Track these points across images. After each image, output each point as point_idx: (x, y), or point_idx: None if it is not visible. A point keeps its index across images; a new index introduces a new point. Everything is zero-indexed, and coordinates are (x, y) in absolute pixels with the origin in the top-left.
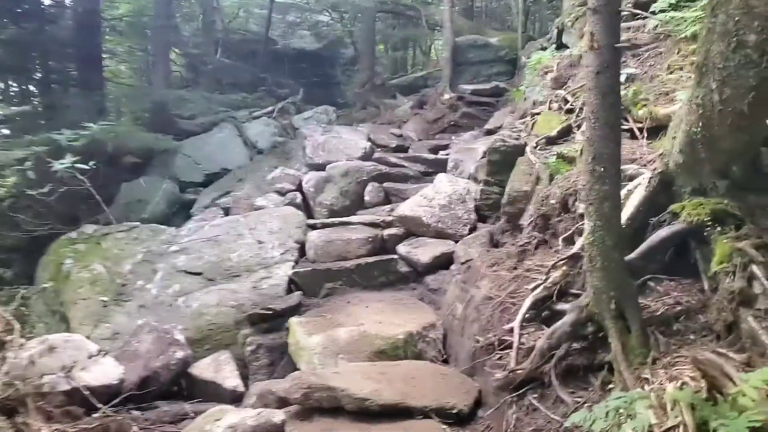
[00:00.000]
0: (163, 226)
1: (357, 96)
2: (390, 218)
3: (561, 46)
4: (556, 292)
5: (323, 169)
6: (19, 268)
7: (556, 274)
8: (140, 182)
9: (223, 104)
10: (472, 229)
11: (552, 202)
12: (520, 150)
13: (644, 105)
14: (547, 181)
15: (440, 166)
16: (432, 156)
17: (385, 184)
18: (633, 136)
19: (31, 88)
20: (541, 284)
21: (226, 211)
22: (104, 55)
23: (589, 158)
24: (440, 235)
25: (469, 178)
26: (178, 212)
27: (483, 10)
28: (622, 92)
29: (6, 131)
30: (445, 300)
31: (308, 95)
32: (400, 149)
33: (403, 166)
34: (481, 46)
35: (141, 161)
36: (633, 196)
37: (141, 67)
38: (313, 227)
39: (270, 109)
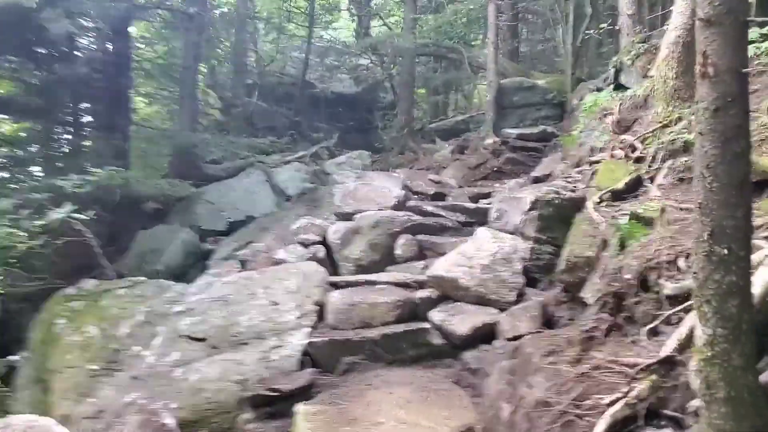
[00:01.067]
0: (170, 282)
1: (394, 140)
2: (423, 278)
3: (619, 86)
4: (643, 412)
5: (352, 219)
6: (14, 330)
7: (641, 387)
8: (157, 231)
9: (252, 148)
10: (520, 295)
11: (627, 277)
12: (577, 204)
13: None
14: (617, 247)
15: (482, 217)
16: (473, 205)
17: (419, 237)
18: None
19: (59, 129)
20: (621, 398)
21: (244, 264)
22: (135, 97)
23: (704, 235)
24: (481, 300)
25: (514, 232)
26: (195, 264)
27: (528, 54)
28: None
29: (5, 174)
30: (487, 391)
31: (344, 140)
32: (439, 197)
33: (440, 216)
34: (527, 88)
35: (162, 208)
36: (755, 279)
37: (173, 111)
38: (336, 286)
39: (302, 153)
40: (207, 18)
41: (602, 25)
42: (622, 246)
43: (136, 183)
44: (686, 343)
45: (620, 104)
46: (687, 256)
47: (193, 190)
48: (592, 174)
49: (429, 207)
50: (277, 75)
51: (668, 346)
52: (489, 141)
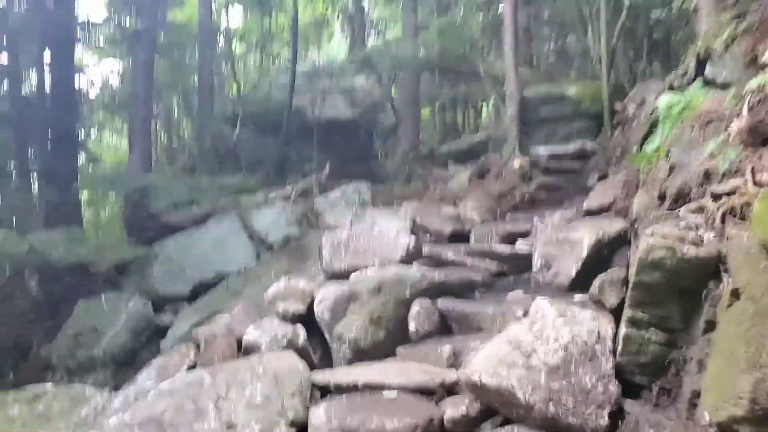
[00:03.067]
0: (92, 389)
1: (399, 168)
2: (452, 376)
3: (707, 83)
4: None
5: (347, 278)
6: None
7: None
8: (101, 302)
9: (224, 188)
10: (614, 415)
11: None
12: (707, 268)
13: None
14: None
15: (520, 265)
16: (507, 248)
17: (441, 302)
18: None
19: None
20: None
21: (200, 350)
22: (90, 136)
23: None
24: (552, 425)
25: (570, 289)
26: (148, 344)
27: (545, 59)
28: None
29: None
30: None
31: (340, 170)
32: (459, 237)
33: (464, 266)
34: (555, 99)
35: (119, 266)
36: None
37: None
38: (323, 391)
39: (288, 189)
40: (160, 35)
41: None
42: None
43: (70, 244)
44: None
45: (750, 104)
46: None
47: (139, 250)
48: (725, 215)
49: (449, 253)
50: (262, 103)
51: None
52: (516, 163)
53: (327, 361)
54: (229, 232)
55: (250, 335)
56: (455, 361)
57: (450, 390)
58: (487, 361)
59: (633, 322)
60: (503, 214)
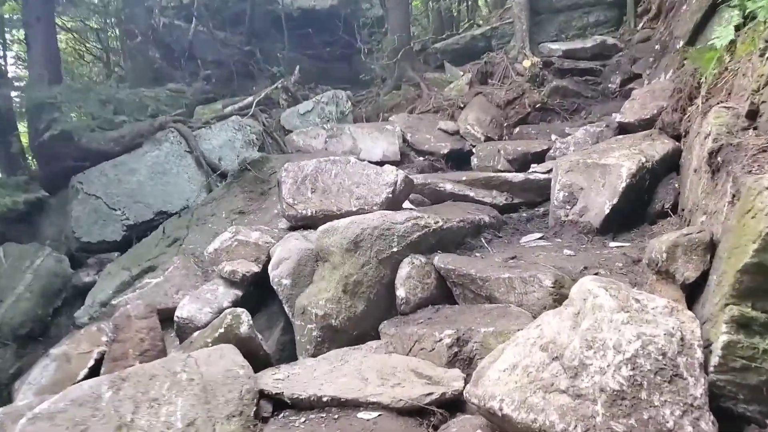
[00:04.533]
0: None
1: (386, 70)
2: (455, 386)
3: None
4: None
5: (315, 228)
6: None
7: None
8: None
9: (170, 101)
10: None
11: None
12: None
13: None
14: None
15: (537, 197)
16: (519, 175)
17: (439, 259)
18: None
19: None
20: None
21: (117, 332)
22: None
23: None
24: None
25: (602, 232)
26: (66, 309)
27: None
28: None
29: None
30: None
31: (314, 74)
32: (458, 157)
33: (466, 199)
34: None
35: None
36: None
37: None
38: (277, 403)
39: (248, 101)
40: None
41: None
42: None
43: None
44: None
45: None
46: None
47: (34, 195)
48: None
49: (447, 185)
50: None
51: None
52: (525, 62)
53: (288, 346)
54: (170, 158)
55: (184, 310)
56: (459, 352)
57: (451, 407)
58: (511, 377)
59: (740, 324)
60: (511, 127)
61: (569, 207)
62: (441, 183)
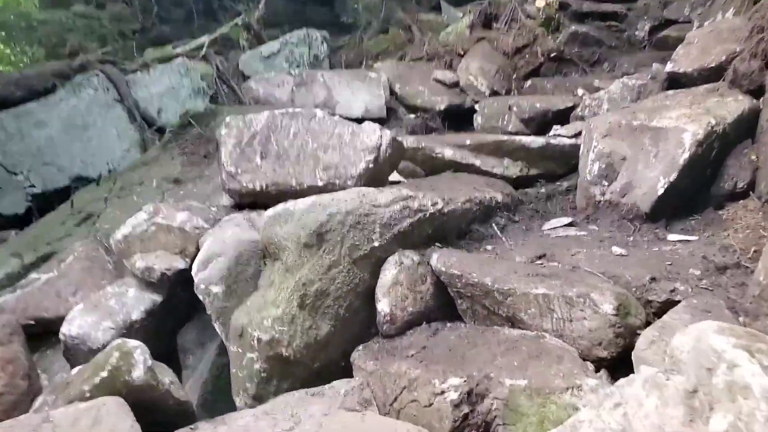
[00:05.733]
0: None
1: (370, 10)
2: None
3: None
4: None
5: (267, 207)
6: None
7: None
8: None
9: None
10: None
11: None
12: None
13: None
14: None
15: (561, 168)
16: (539, 139)
17: (438, 258)
18: None
19: None
20: None
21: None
22: None
23: None
24: None
25: (653, 218)
26: None
27: None
28: None
29: None
30: None
31: (286, 15)
32: (458, 115)
33: (470, 169)
34: None
35: None
36: None
37: None
38: None
39: (200, 41)
40: None
41: None
42: None
43: None
44: None
45: None
46: None
47: None
48: None
49: (447, 150)
50: None
51: None
52: (539, 2)
53: (227, 371)
54: (95, 107)
55: (75, 325)
56: (471, 415)
57: None
58: None
59: None
60: (521, 80)
61: (607, 183)
62: (439, 148)
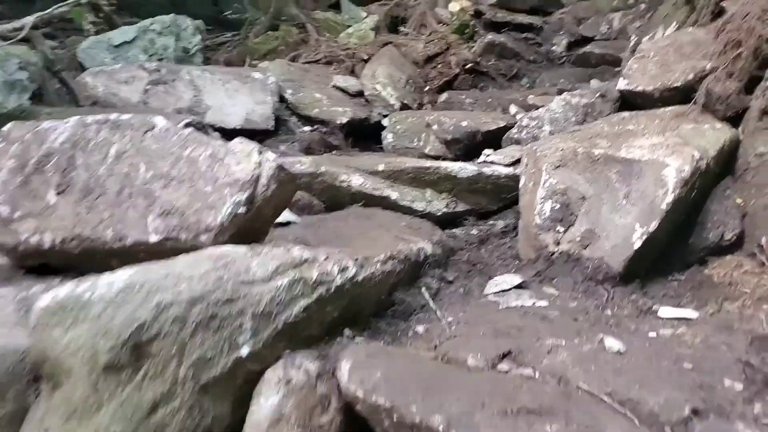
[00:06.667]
0: None
1: (258, 4)
2: None
3: None
4: None
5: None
6: None
7: None
8: None
9: None
10: None
11: None
12: None
13: None
14: None
15: (494, 203)
16: (468, 167)
17: (348, 373)
18: None
19: None
20: None
21: None
22: None
23: None
24: None
25: (626, 280)
26: None
27: None
28: None
29: None
30: None
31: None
32: (361, 131)
33: (385, 202)
34: None
35: None
36: None
37: None
38: None
39: (25, 21)
40: None
41: None
42: None
43: None
44: None
45: None
46: None
47: None
48: None
49: (355, 179)
50: None
51: None
52: (453, 6)
53: None
54: None
55: None
56: None
57: None
58: None
59: None
60: (434, 92)
61: (562, 229)
62: (344, 175)
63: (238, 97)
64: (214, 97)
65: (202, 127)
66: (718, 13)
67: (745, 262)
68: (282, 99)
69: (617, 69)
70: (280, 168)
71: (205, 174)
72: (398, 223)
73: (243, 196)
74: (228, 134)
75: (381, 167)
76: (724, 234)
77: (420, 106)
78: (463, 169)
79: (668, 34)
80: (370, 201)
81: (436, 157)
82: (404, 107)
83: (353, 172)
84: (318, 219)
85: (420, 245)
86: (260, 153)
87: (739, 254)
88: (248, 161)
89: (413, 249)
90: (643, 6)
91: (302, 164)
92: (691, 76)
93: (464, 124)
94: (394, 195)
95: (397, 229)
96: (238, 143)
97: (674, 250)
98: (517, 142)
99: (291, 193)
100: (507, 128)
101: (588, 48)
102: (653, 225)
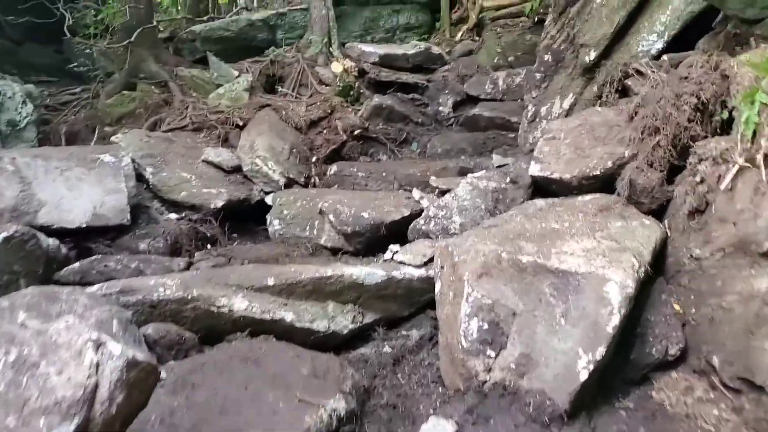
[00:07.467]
0: None
1: (109, 58)
2: None
3: None
4: None
5: None
6: None
7: None
8: None
9: None
10: None
11: None
12: None
13: None
14: None
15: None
16: (376, 272)
17: None
18: None
19: None
20: None
21: None
22: None
23: None
24: None
25: (569, 423)
26: None
27: None
28: None
29: None
30: None
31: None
32: (241, 216)
33: (277, 328)
34: None
35: None
36: None
37: None
38: None
39: None
40: None
41: None
42: None
43: None
44: None
45: None
46: None
47: None
48: None
49: (238, 302)
50: None
51: None
52: (335, 67)
53: None
54: None
55: None
56: None
57: None
58: None
59: None
60: (321, 163)
61: (492, 353)
62: (223, 298)
63: (82, 187)
64: (50, 190)
65: (31, 237)
66: (623, 91)
67: (694, 382)
68: (142, 179)
69: (511, 135)
70: (131, 364)
71: (5, 395)
72: (299, 370)
73: (71, 426)
74: (71, 235)
75: (271, 281)
76: (668, 349)
77: (308, 179)
78: (371, 275)
79: (566, 107)
80: (259, 327)
81: (334, 250)
82: (290, 182)
83: (235, 293)
84: (190, 369)
85: (330, 405)
86: (98, 347)
87: (683, 370)
88: (78, 365)
89: (324, 418)
90: (522, 70)
91: (166, 288)
92: (609, 164)
93: (365, 215)
94: (289, 317)
95: (298, 382)
96: (64, 330)
97: (615, 366)
98: (426, 234)
99: (150, 387)
100: (412, 217)
101: (476, 110)
102: (599, 352)
